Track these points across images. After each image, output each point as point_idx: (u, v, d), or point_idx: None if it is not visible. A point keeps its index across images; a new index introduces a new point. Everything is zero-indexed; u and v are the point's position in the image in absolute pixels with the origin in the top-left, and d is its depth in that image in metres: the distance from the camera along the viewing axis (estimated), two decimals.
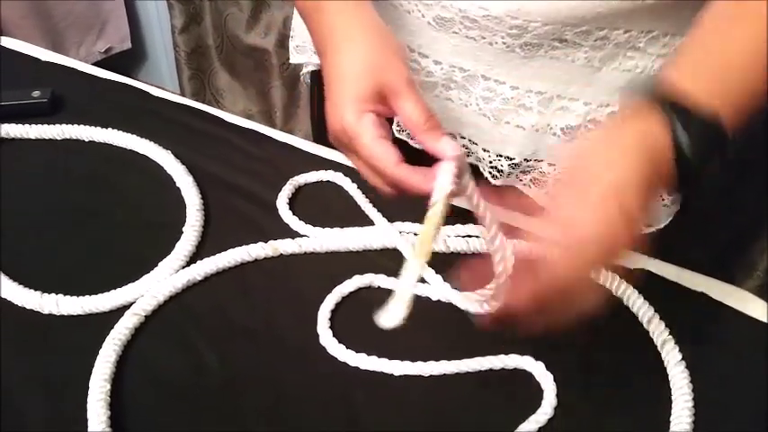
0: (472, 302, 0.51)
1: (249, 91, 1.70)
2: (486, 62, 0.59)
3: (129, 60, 1.89)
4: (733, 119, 0.43)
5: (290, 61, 0.77)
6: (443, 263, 0.56)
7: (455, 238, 0.59)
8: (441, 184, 0.42)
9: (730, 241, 1.19)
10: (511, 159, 0.63)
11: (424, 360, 0.51)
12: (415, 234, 0.60)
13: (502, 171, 0.64)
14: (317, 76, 0.78)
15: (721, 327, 0.55)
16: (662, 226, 0.73)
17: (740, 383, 0.51)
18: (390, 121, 0.47)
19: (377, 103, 0.46)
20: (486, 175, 0.65)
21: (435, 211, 0.41)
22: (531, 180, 0.65)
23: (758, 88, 0.44)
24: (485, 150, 0.64)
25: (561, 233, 0.41)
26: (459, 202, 0.44)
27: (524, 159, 0.63)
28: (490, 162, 0.64)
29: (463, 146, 0.65)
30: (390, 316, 0.38)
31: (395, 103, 0.46)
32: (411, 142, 0.68)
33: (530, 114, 0.61)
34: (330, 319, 0.54)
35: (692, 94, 0.42)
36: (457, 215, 0.49)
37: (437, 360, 0.51)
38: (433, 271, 0.56)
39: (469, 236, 0.60)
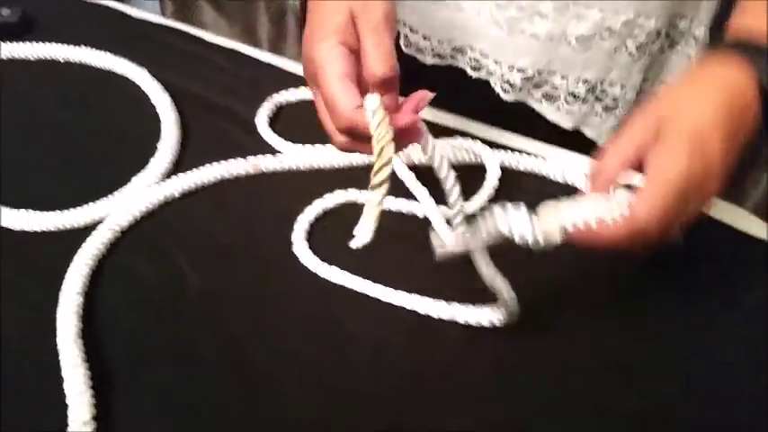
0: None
1: (235, 29, 1.66)
2: None
3: None
4: None
5: None
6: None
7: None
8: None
9: None
10: (523, 71, 0.61)
11: (401, 277, 0.49)
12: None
13: (513, 85, 0.62)
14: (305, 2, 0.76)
15: (716, 244, 0.54)
16: None
17: (737, 303, 0.50)
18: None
19: (349, 35, 0.42)
20: (498, 90, 0.63)
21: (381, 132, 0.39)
22: (543, 95, 0.63)
23: None
24: (496, 63, 0.62)
25: (647, 184, 0.40)
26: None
27: (537, 72, 0.62)
28: (502, 75, 0.63)
29: (474, 59, 0.63)
30: (359, 237, 0.39)
31: (362, 37, 0.42)
32: (419, 57, 0.66)
33: (545, 22, 0.59)
34: (309, 232, 0.52)
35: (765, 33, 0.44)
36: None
37: (414, 278, 0.49)
38: (420, 183, 0.54)
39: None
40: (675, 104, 0.43)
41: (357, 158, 0.57)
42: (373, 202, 0.39)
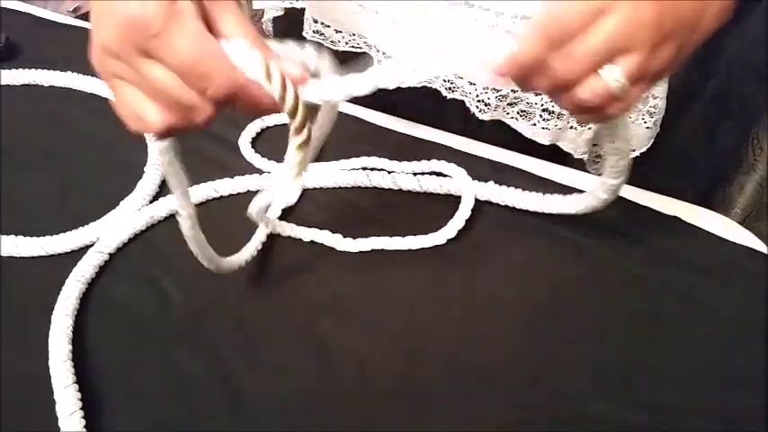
0: None
1: None
2: None
3: None
4: None
5: (253, 7, 0.75)
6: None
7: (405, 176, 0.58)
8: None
9: (709, 177, 1.20)
10: (498, 91, 0.62)
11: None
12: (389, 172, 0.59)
13: (489, 104, 0.63)
14: (279, 22, 0.77)
15: (696, 249, 0.55)
16: (644, 150, 0.72)
17: (719, 307, 0.51)
18: None
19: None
20: (474, 109, 0.64)
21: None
22: (518, 113, 0.64)
23: None
24: (471, 84, 0.63)
25: None
26: None
27: (511, 90, 0.63)
28: (477, 96, 0.63)
29: (448, 80, 0.64)
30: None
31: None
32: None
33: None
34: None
35: None
36: None
37: None
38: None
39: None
40: None
41: (343, 180, 0.58)
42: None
